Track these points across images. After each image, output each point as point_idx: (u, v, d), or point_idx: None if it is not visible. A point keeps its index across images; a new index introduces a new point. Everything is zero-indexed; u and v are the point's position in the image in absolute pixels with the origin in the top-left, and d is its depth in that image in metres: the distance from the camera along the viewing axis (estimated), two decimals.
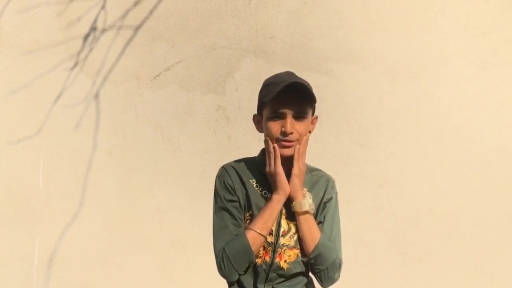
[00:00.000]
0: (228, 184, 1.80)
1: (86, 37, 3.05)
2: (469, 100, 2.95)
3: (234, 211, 1.79)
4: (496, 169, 2.95)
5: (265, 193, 1.81)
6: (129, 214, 3.03)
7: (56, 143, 3.05)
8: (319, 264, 1.79)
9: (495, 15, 2.95)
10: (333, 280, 1.82)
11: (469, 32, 2.95)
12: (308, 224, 1.78)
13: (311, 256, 1.78)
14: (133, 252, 3.02)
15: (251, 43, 2.97)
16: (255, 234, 1.74)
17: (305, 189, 1.82)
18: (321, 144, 2.96)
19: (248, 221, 1.78)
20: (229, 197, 1.80)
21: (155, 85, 3.02)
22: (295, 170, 1.76)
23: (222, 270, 1.76)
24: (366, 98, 2.96)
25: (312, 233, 1.78)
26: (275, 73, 1.82)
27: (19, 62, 3.05)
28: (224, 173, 1.82)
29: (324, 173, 1.92)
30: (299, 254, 1.80)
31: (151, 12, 3.02)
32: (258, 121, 1.83)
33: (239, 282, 1.80)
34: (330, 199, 1.87)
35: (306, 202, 1.77)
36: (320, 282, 1.82)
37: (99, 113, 3.05)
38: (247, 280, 1.79)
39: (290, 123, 1.73)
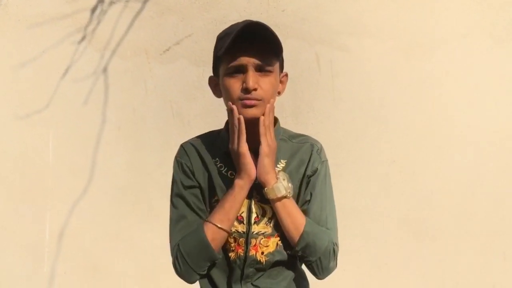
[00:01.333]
0: (187, 166, 1.52)
1: (93, 10, 3.00)
2: (486, 74, 2.89)
3: (192, 199, 1.50)
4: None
5: (231, 173, 1.50)
6: (138, 189, 3.02)
7: (65, 118, 3.03)
8: (308, 255, 1.47)
9: None
10: (329, 270, 1.51)
11: (486, 5, 2.88)
12: (288, 211, 1.45)
13: (298, 248, 1.46)
14: (142, 227, 3.02)
15: (262, 16, 2.91)
16: (214, 228, 1.43)
17: (278, 168, 1.50)
18: (333, 120, 2.92)
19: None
20: (188, 182, 1.51)
21: (165, 60, 2.98)
22: (264, 148, 1.42)
23: (178, 270, 1.47)
24: (379, 73, 2.91)
25: (295, 221, 1.45)
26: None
27: (26, 35, 3.00)
28: (182, 153, 1.54)
29: (309, 138, 1.56)
30: (279, 242, 1.49)
31: None
32: (215, 83, 1.51)
33: (210, 279, 1.52)
34: (316, 171, 1.51)
35: (280, 186, 1.43)
36: (315, 274, 1.52)
37: (108, 87, 3.02)
38: (220, 279, 1.51)
39: (253, 77, 1.40)
